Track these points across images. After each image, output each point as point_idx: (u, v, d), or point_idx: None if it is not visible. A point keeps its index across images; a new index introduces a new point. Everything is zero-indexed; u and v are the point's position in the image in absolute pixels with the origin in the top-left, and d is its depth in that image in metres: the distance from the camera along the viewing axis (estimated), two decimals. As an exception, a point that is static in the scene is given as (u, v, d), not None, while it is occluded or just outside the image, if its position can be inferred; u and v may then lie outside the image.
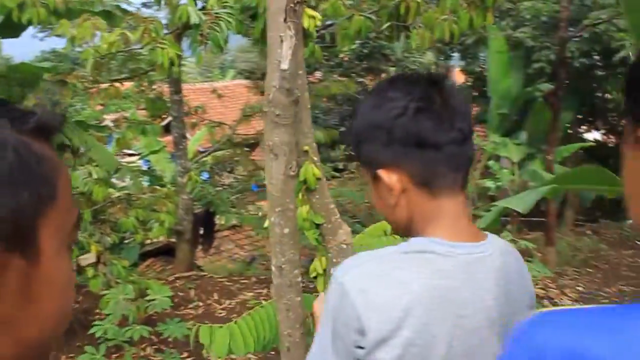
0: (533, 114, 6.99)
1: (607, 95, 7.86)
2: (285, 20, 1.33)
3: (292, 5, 1.31)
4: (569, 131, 7.86)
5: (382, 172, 0.93)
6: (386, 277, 0.91)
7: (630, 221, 7.28)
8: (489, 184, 6.02)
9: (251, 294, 4.95)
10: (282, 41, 1.35)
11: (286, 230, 1.56)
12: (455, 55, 8.87)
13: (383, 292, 0.89)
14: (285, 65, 1.37)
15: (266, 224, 1.66)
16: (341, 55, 7.97)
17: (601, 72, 7.36)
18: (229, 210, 5.67)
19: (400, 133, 0.92)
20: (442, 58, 9.21)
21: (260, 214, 5.82)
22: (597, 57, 7.24)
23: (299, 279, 1.63)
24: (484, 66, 8.05)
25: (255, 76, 9.10)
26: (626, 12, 1.77)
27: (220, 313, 4.55)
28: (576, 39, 6.45)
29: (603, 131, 8.68)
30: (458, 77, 9.54)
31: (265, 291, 4.87)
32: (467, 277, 0.92)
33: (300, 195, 1.87)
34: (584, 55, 6.88)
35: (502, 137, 6.84)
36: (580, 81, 7.12)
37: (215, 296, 4.89)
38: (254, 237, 7.07)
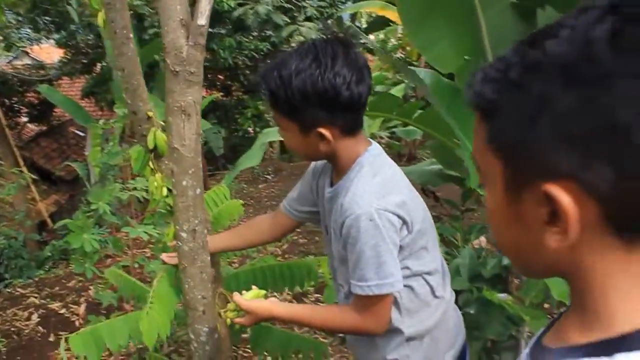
0: (160, 76, 7.36)
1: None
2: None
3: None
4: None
5: (323, 130, 1.27)
6: (387, 189, 1.27)
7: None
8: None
9: None
10: (200, -4, 1.36)
11: (198, 192, 1.57)
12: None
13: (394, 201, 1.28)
14: (202, 21, 1.39)
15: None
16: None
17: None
18: None
19: (343, 99, 1.25)
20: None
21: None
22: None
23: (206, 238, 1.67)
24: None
25: None
26: (409, 32, 2.25)
27: None
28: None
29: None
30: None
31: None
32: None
33: (150, 164, 1.82)
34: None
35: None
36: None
37: None
38: None
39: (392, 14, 8.30)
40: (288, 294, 3.66)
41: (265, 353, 2.12)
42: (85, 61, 8.65)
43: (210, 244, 1.69)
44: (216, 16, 7.74)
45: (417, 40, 2.41)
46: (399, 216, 1.28)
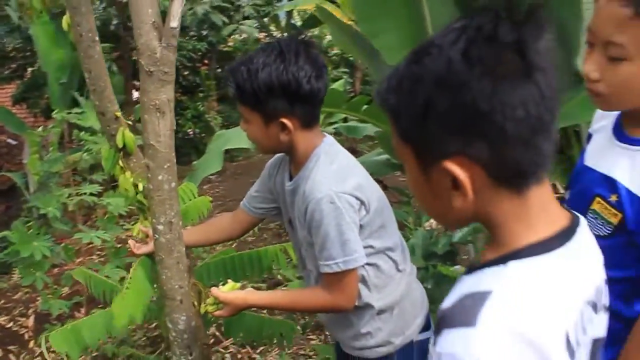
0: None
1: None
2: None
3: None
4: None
5: (284, 120, 1.42)
6: (343, 174, 1.43)
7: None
8: (85, 156, 6.04)
9: None
10: (172, 1, 1.45)
11: (172, 185, 1.66)
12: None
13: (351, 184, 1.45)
14: (175, 24, 1.48)
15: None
16: None
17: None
18: None
19: (304, 92, 1.41)
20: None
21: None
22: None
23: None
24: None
25: None
26: (359, 20, 2.40)
27: None
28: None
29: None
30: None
31: None
32: None
33: (120, 163, 1.89)
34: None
35: (71, 106, 6.84)
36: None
37: None
38: None
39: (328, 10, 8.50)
40: (261, 285, 3.77)
41: (240, 338, 2.22)
42: (14, 66, 8.33)
43: None
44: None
45: (367, 30, 2.59)
46: (356, 197, 1.43)
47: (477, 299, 0.70)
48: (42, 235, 3.96)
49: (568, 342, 0.72)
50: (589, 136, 1.38)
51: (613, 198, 1.19)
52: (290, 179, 1.58)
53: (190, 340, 1.85)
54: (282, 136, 1.47)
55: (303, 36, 1.50)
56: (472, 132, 0.70)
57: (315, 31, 11.13)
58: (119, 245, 4.08)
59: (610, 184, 1.21)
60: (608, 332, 1.21)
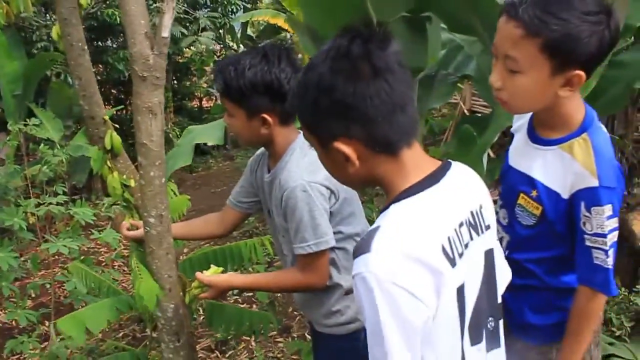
0: (52, 92, 7.17)
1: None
2: (167, -5, 1.62)
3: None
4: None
5: (265, 116, 1.64)
6: (315, 166, 1.65)
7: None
8: (45, 169, 6.03)
9: None
10: (163, 13, 1.63)
11: (162, 181, 1.83)
12: None
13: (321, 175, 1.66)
14: (165, 34, 1.66)
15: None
16: None
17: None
18: None
19: (284, 91, 1.66)
20: None
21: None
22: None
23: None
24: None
25: None
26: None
27: None
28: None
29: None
30: None
31: None
32: None
33: (108, 163, 2.04)
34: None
35: (27, 118, 6.78)
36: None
37: None
38: None
39: (283, 22, 8.74)
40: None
41: (221, 328, 2.39)
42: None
43: None
44: (108, 29, 7.70)
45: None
46: (326, 187, 1.65)
47: (370, 233, 1.01)
48: (6, 247, 3.98)
49: (445, 252, 1.02)
50: (512, 136, 1.64)
51: (534, 193, 1.45)
52: (269, 171, 1.77)
53: (178, 327, 2.00)
54: (263, 130, 1.68)
55: (285, 43, 1.71)
56: (347, 119, 1.02)
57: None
58: (82, 257, 4.14)
59: (530, 181, 1.46)
60: (542, 300, 1.51)
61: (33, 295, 4.88)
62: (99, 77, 8.64)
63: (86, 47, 1.94)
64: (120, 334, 4.27)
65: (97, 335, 3.11)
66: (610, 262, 1.38)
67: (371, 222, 3.30)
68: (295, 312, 4.15)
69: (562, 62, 1.28)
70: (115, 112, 8.20)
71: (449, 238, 1.04)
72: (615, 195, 1.37)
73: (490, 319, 1.16)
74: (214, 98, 11.21)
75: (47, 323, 4.48)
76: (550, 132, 1.45)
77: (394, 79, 1.02)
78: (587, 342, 1.46)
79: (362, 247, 1.00)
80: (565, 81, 1.32)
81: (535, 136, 1.50)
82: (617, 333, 2.95)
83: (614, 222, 1.37)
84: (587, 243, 1.39)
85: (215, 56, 10.28)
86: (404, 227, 1.02)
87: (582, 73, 1.30)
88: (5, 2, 3.52)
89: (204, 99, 11.71)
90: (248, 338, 3.78)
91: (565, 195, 1.41)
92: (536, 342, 1.57)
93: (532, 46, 1.25)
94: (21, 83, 6.99)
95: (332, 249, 1.69)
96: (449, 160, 1.15)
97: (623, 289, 3.26)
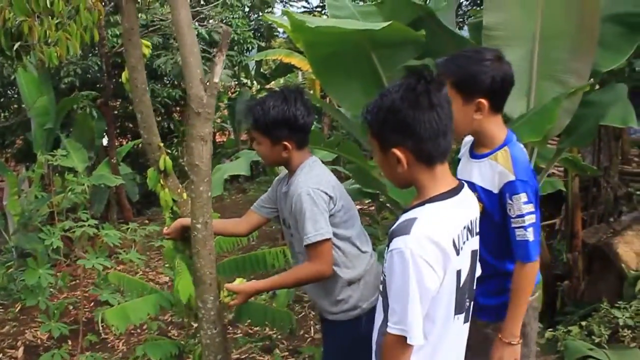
0: (77, 125, 7.84)
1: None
2: (220, 51, 2.19)
3: (227, 41, 2.19)
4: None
5: (286, 143, 2.20)
6: (319, 179, 2.20)
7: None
8: (70, 195, 6.59)
9: None
10: (215, 63, 2.19)
11: (209, 194, 2.36)
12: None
13: (324, 185, 2.23)
14: (217, 79, 2.22)
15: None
16: None
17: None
18: None
19: (299, 124, 2.24)
20: None
21: None
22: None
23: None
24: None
25: None
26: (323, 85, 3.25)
27: None
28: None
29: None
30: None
31: None
32: None
33: (161, 181, 2.58)
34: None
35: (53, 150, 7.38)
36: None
37: None
38: None
39: (296, 61, 9.42)
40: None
41: (247, 322, 2.88)
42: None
43: None
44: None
45: (336, 95, 3.47)
46: (326, 193, 2.18)
47: (410, 221, 1.50)
48: (43, 266, 4.50)
49: (454, 244, 1.52)
50: (458, 160, 2.27)
51: (475, 195, 1.96)
52: (287, 184, 2.31)
53: (216, 317, 2.49)
54: (283, 154, 2.24)
55: (299, 86, 2.28)
56: (405, 134, 1.50)
57: (281, 80, 12.11)
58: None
59: (472, 185, 2.02)
60: (496, 285, 2.08)
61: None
62: (116, 112, 9.32)
63: (147, 88, 2.51)
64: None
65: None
66: (529, 235, 1.96)
67: (376, 238, 3.84)
68: (306, 335, 4.63)
69: (468, 93, 1.97)
70: (133, 146, 8.84)
71: (457, 235, 1.55)
72: (528, 186, 1.96)
73: (467, 299, 1.67)
74: (228, 132, 11.84)
75: (69, 342, 4.94)
76: (483, 149, 2.08)
77: (442, 112, 1.49)
78: (523, 308, 2.01)
79: (403, 231, 1.48)
80: (476, 108, 1.98)
81: (474, 154, 2.12)
82: (597, 340, 3.40)
83: (530, 207, 1.96)
84: (513, 225, 1.98)
85: (229, 93, 10.98)
86: (433, 221, 1.50)
87: (484, 101, 1.98)
88: (54, 44, 4.11)
89: (217, 134, 12.36)
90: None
91: (495, 190, 2.01)
92: (492, 319, 2.11)
93: (449, 85, 1.87)
94: (50, 117, 7.65)
95: (333, 247, 2.18)
96: (462, 181, 1.68)
97: (606, 303, 3.72)
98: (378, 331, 1.63)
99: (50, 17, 3.94)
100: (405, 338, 1.48)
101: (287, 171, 2.40)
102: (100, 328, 2.58)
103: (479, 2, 10.58)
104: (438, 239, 1.48)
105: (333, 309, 2.31)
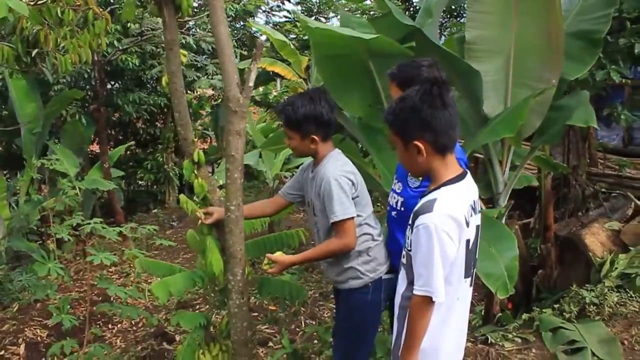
0: (67, 131, 8.25)
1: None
2: (255, 59, 2.73)
3: (260, 52, 2.72)
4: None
5: (314, 136, 2.72)
6: (342, 167, 2.77)
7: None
8: (64, 198, 6.98)
9: None
10: (250, 70, 2.73)
11: (241, 181, 2.88)
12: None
13: (347, 171, 2.76)
14: (251, 83, 2.76)
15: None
16: None
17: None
18: None
19: (324, 120, 2.78)
20: None
21: None
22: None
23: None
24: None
25: None
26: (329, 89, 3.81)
27: None
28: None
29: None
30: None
31: None
32: None
33: (195, 172, 3.09)
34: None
35: (41, 156, 7.77)
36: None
37: None
38: None
39: (279, 69, 9.98)
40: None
41: (268, 295, 3.41)
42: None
43: None
44: (120, 72, 8.82)
45: (335, 94, 4.03)
46: (350, 180, 2.69)
47: (432, 202, 1.96)
48: (52, 260, 4.93)
49: (465, 218, 1.98)
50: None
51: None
52: (312, 171, 2.84)
53: (243, 288, 3.00)
54: (312, 146, 2.76)
55: (322, 88, 2.82)
56: (424, 129, 1.97)
57: (261, 88, 12.64)
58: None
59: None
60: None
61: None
62: (112, 119, 9.72)
63: (184, 91, 3.02)
64: (139, 347, 5.18)
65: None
66: None
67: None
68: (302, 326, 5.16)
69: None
70: (131, 147, 9.21)
71: (467, 211, 1.97)
72: None
73: (473, 265, 2.15)
74: (209, 139, 12.30)
75: (67, 339, 5.32)
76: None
77: (452, 110, 1.95)
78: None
79: (426, 209, 1.92)
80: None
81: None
82: (567, 316, 4.01)
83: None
84: None
85: (212, 100, 11.48)
86: (451, 200, 1.94)
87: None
88: (66, 51, 4.52)
89: (199, 141, 12.81)
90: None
91: None
92: None
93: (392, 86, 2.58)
94: (39, 122, 8.03)
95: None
96: (466, 169, 2.12)
97: (575, 285, 4.34)
98: (402, 296, 2.11)
99: (60, 26, 4.40)
100: (430, 298, 1.90)
101: (309, 161, 2.92)
102: (145, 298, 3.00)
103: (455, 14, 11.36)
104: (455, 215, 1.93)
105: (342, 276, 2.79)
